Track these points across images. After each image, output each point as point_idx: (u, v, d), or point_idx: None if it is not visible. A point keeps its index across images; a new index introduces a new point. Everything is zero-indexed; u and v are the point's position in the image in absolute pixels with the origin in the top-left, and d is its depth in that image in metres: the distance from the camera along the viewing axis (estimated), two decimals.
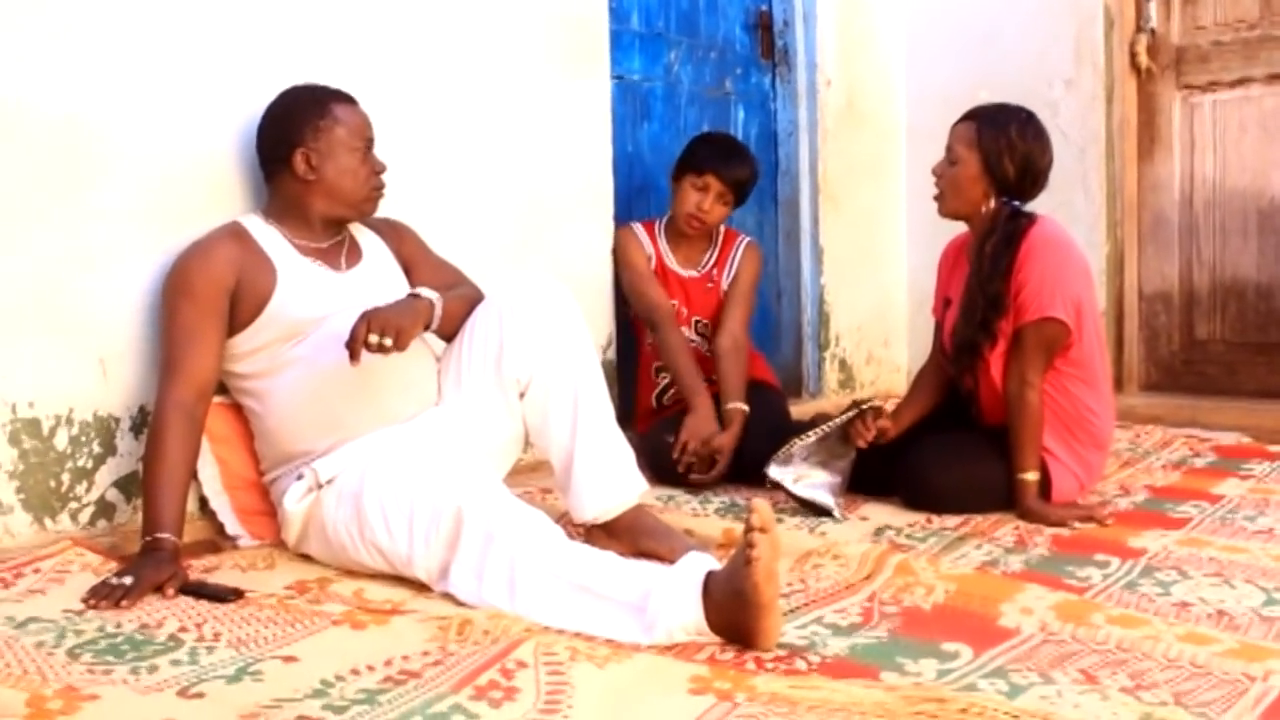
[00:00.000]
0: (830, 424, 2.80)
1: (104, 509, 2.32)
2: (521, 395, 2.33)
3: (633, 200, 3.60)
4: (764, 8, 4.17)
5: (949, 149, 2.79)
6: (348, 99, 2.41)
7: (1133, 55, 4.20)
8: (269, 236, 2.35)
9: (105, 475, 2.32)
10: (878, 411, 2.83)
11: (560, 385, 2.29)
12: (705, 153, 3.29)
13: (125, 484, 2.34)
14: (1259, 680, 1.65)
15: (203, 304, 2.23)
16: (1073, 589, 2.12)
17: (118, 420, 2.33)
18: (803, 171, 4.21)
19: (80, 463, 2.28)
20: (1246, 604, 2.04)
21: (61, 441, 2.25)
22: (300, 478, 2.24)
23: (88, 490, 2.30)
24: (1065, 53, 4.23)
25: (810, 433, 2.77)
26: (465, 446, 2.29)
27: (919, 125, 4.41)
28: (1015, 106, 2.81)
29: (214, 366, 2.26)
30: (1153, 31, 4.19)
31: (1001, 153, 2.71)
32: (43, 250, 2.21)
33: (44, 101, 2.21)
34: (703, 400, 3.10)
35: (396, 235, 2.56)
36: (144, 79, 2.35)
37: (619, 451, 2.34)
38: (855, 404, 2.87)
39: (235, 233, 2.33)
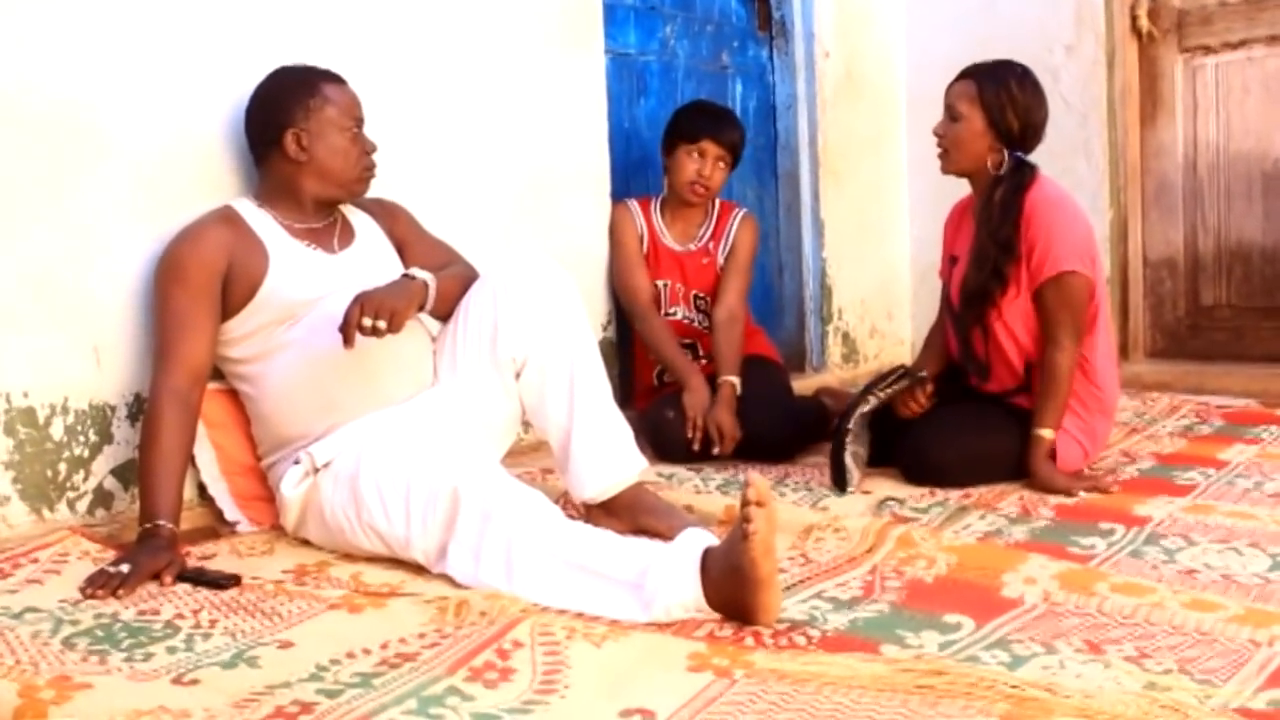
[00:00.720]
0: (886, 390, 2.77)
1: (102, 497, 2.31)
2: (517, 375, 2.31)
3: (630, 176, 3.57)
4: None
5: (949, 107, 2.79)
6: (337, 79, 2.39)
7: (1134, 19, 4.16)
8: (260, 219, 2.33)
9: (102, 464, 2.31)
10: (923, 381, 2.80)
11: (556, 364, 2.28)
12: (695, 120, 3.29)
13: (122, 472, 2.33)
14: (1264, 646, 1.64)
15: (195, 289, 2.21)
16: (1076, 558, 2.10)
17: (113, 408, 2.32)
18: (802, 144, 4.17)
19: (77, 451, 2.27)
20: (1253, 569, 2.03)
21: (57, 430, 2.24)
22: (297, 462, 2.23)
23: (85, 479, 2.29)
24: (1066, 18, 4.18)
25: (870, 396, 2.75)
26: (461, 427, 2.28)
27: (919, 95, 4.35)
28: (1010, 61, 2.81)
29: (208, 352, 2.24)
30: None
31: (1004, 106, 2.72)
32: (33, 238, 2.19)
33: (32, 91, 2.18)
34: (696, 378, 3.10)
35: (389, 215, 2.54)
36: (132, 67, 2.32)
37: (617, 429, 2.32)
38: (903, 369, 2.86)
39: (226, 217, 2.31)
